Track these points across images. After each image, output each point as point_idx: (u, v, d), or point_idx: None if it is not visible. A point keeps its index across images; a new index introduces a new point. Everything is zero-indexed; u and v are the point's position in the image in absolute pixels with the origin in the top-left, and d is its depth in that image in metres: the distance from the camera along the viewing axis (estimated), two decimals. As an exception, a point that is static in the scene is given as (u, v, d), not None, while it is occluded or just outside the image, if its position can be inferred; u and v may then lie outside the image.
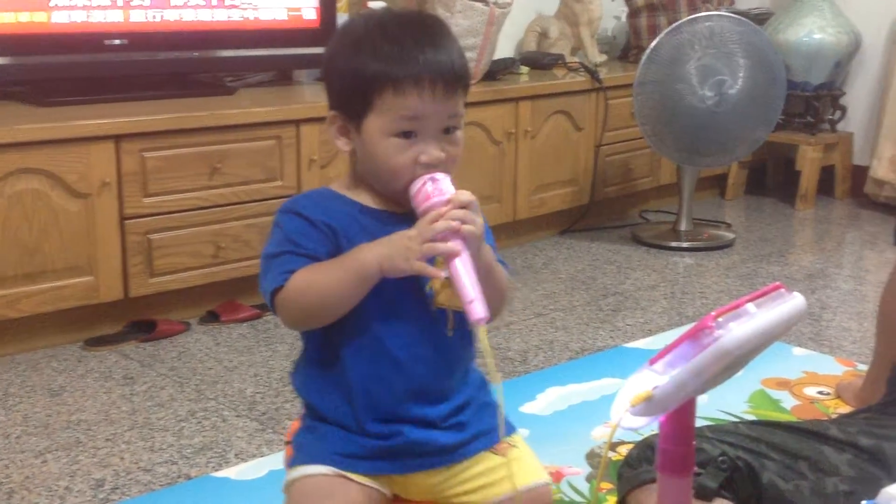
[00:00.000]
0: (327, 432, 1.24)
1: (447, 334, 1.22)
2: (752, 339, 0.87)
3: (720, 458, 1.30)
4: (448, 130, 1.18)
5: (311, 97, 3.15)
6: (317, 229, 1.19)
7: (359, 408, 1.22)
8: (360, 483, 1.21)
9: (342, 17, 3.41)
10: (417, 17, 1.25)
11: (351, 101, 1.19)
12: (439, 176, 1.16)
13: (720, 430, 1.37)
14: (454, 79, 1.18)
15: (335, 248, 1.19)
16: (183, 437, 2.12)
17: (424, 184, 1.14)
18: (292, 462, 1.27)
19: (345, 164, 2.97)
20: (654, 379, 0.89)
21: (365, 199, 1.23)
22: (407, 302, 1.20)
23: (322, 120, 2.91)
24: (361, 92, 1.17)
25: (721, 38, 3.41)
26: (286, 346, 2.63)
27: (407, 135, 1.17)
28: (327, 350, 1.23)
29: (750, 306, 0.89)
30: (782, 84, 3.51)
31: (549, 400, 2.30)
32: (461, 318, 1.18)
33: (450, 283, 1.11)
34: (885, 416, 1.37)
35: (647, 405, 0.89)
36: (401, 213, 1.22)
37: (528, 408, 2.25)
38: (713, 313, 0.87)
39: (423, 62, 1.16)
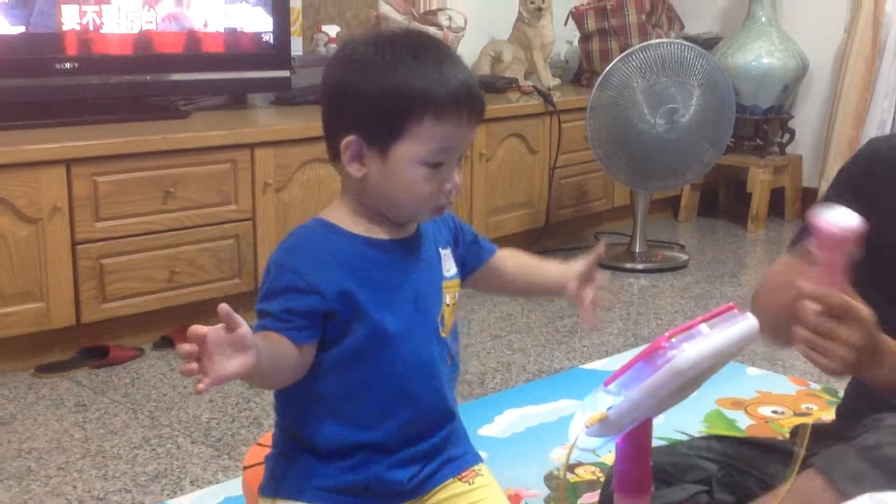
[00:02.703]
0: (307, 463, 1.19)
1: (448, 362, 1.22)
2: (705, 359, 0.87)
3: (720, 473, 1.30)
4: (459, 159, 1.17)
5: (266, 121, 3.14)
6: (305, 296, 1.12)
7: (365, 438, 1.18)
8: None
9: (296, 41, 3.42)
10: (429, 37, 1.18)
11: (378, 126, 1.12)
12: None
13: (696, 447, 1.38)
14: (482, 106, 1.16)
15: (328, 307, 1.13)
16: (137, 465, 2.09)
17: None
18: (271, 492, 1.21)
19: (303, 188, 2.96)
20: (608, 400, 0.89)
21: (369, 229, 1.18)
22: (422, 336, 1.19)
23: (277, 144, 2.92)
24: (394, 117, 1.11)
25: (672, 65, 3.47)
26: (242, 372, 2.61)
27: (435, 165, 1.13)
28: (336, 378, 1.17)
29: (703, 327, 0.90)
30: (731, 109, 3.57)
31: (507, 422, 2.30)
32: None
33: None
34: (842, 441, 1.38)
35: (603, 426, 0.90)
36: (405, 239, 1.20)
37: (485, 430, 2.24)
38: (667, 334, 0.88)
39: (460, 87, 1.12)
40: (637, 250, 3.75)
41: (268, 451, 1.44)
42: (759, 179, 4.22)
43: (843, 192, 1.39)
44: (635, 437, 0.91)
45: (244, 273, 2.88)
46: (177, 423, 2.29)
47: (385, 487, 1.19)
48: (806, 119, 4.41)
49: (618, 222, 4.17)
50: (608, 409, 0.89)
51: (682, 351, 0.86)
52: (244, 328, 1.01)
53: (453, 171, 1.16)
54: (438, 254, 1.24)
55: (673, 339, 0.87)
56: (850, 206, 1.34)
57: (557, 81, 4.04)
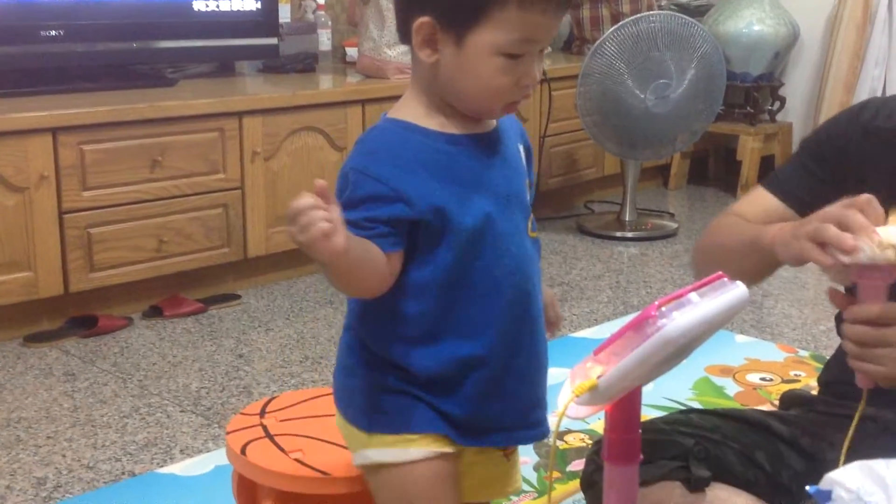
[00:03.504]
0: (412, 394, 1.10)
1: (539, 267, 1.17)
2: (694, 327, 0.87)
3: (696, 448, 1.31)
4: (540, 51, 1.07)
5: (254, 89, 3.11)
6: (389, 204, 1.03)
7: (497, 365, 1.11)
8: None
9: (284, 8, 3.38)
10: None
11: (456, 8, 1.02)
12: None
13: (675, 421, 1.38)
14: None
15: (414, 215, 1.04)
16: (126, 434, 2.09)
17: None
18: (380, 426, 1.11)
19: (292, 156, 2.94)
20: (598, 369, 0.89)
21: (446, 124, 1.08)
22: (517, 237, 1.12)
23: (266, 112, 2.90)
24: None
25: (665, 38, 3.44)
26: (231, 340, 2.61)
27: (515, 56, 1.03)
28: (430, 295, 1.08)
29: (693, 295, 0.89)
30: (722, 79, 3.56)
31: (496, 390, 2.30)
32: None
33: None
34: (827, 416, 1.39)
35: (593, 395, 0.89)
36: (485, 133, 1.10)
37: (475, 398, 2.25)
38: (656, 303, 0.88)
39: None
40: (627, 219, 3.75)
41: (252, 419, 1.45)
42: (750, 147, 4.22)
43: (813, 163, 1.36)
44: (625, 405, 0.91)
45: (233, 242, 2.87)
46: (166, 392, 2.29)
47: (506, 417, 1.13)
48: (796, 86, 4.39)
49: (608, 190, 4.16)
50: (598, 377, 0.89)
51: (672, 320, 0.86)
52: (337, 208, 0.94)
53: (533, 64, 1.05)
54: (519, 150, 1.15)
55: (663, 308, 0.87)
56: (816, 179, 1.33)
57: (548, 49, 4.01)
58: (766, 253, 1.23)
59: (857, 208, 1.09)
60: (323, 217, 0.93)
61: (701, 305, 0.88)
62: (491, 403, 1.12)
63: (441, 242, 1.06)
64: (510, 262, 1.10)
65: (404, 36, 1.08)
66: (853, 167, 1.31)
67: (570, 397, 0.90)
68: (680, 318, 0.86)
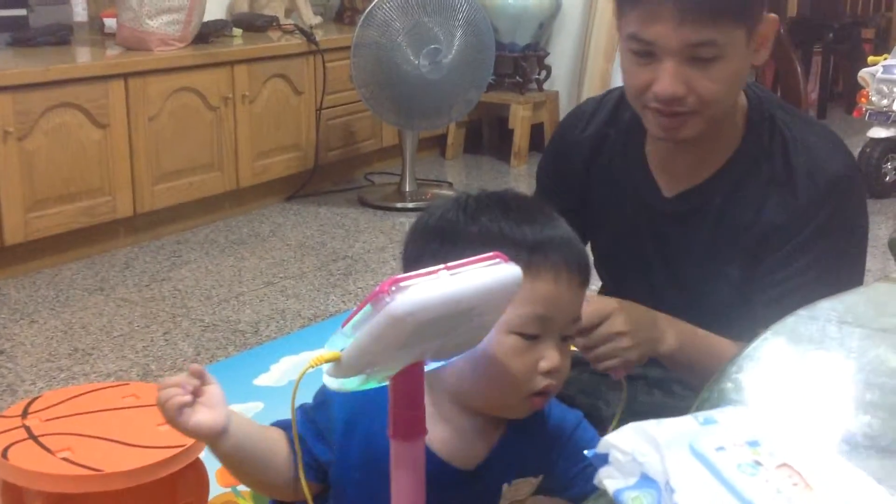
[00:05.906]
0: None
1: None
2: (428, 306, 0.80)
3: None
4: (565, 338, 0.98)
5: (1, 64, 2.88)
6: (319, 440, 1.00)
7: None
8: None
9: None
10: (525, 196, 1.07)
11: None
12: None
13: None
14: (587, 267, 0.99)
15: (327, 460, 1.00)
16: None
17: None
18: None
19: (49, 136, 2.74)
20: (344, 341, 0.85)
21: (432, 426, 0.92)
22: None
23: (16, 89, 2.68)
24: None
25: (434, 5, 3.47)
26: (-9, 337, 2.42)
27: (530, 336, 0.95)
28: None
29: (444, 272, 0.81)
30: (491, 48, 3.64)
31: (283, 370, 2.26)
32: None
33: None
34: (600, 375, 1.44)
35: (339, 367, 0.86)
36: (467, 472, 0.98)
37: (262, 380, 2.19)
38: (399, 276, 0.83)
39: (558, 239, 0.97)
40: (407, 189, 3.78)
41: (14, 421, 1.35)
42: (520, 116, 4.34)
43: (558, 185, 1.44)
44: (405, 381, 0.89)
45: (-13, 231, 2.66)
46: (-83, 399, 2.09)
47: None
48: (561, 56, 4.56)
49: (387, 162, 4.17)
50: (341, 350, 0.85)
51: (399, 296, 0.79)
52: (215, 387, 0.91)
53: (554, 348, 0.95)
54: (498, 489, 1.01)
55: (402, 283, 0.80)
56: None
57: (319, 19, 3.96)
58: None
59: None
60: (176, 396, 0.89)
61: (442, 283, 0.81)
62: None
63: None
64: None
65: None
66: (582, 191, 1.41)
67: (306, 367, 0.86)
68: (407, 296, 0.79)
